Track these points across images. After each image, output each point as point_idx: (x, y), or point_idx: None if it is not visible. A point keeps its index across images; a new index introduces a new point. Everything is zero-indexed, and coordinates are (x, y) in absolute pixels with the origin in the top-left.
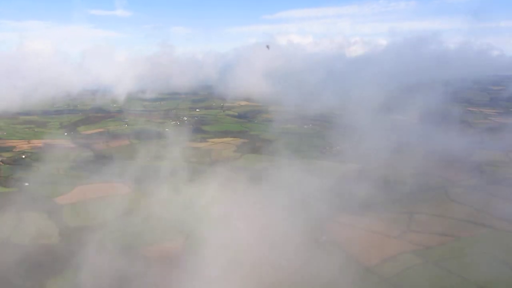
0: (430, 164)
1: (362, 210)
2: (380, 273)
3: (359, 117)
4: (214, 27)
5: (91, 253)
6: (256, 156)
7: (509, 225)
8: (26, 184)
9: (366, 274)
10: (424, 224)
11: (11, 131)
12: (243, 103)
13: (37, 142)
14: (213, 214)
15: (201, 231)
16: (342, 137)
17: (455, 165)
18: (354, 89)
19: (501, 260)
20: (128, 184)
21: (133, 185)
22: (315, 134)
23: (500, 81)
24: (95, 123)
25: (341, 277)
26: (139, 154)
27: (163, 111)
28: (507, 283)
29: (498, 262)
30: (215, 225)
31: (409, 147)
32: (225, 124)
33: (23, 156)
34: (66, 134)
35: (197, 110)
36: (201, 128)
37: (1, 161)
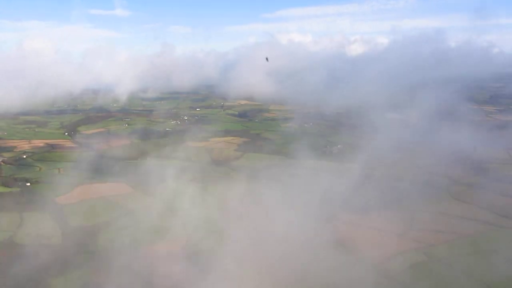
0: (435, 163)
1: (365, 209)
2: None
3: (361, 116)
4: (213, 26)
5: (93, 253)
6: (257, 155)
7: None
8: (28, 184)
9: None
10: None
11: (12, 131)
12: (243, 102)
13: (38, 142)
14: (213, 213)
15: (201, 230)
16: (343, 136)
17: (460, 163)
18: (357, 88)
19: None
20: (130, 184)
21: (135, 185)
22: (316, 133)
23: (500, 79)
24: (96, 123)
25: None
26: (140, 153)
27: (164, 111)
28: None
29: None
30: (216, 224)
31: (412, 145)
32: (225, 123)
33: (24, 156)
34: (66, 134)
35: (197, 109)
36: (202, 127)
37: (2, 161)
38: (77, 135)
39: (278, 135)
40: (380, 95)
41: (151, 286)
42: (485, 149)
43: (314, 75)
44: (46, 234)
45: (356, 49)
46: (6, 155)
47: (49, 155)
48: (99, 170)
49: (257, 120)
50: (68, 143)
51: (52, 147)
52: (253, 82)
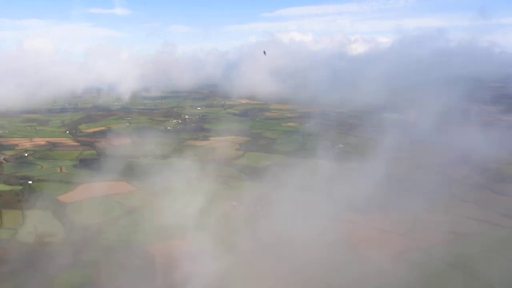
0: (443, 163)
1: (368, 208)
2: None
3: (363, 116)
4: (213, 26)
5: (96, 252)
6: (259, 154)
7: None
8: (30, 182)
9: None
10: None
11: (13, 129)
12: (244, 101)
13: (39, 140)
14: (214, 214)
15: (199, 229)
16: (344, 136)
17: (469, 163)
18: (359, 88)
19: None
20: (132, 182)
21: (137, 183)
22: (316, 133)
23: (501, 78)
24: (97, 122)
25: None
26: (141, 152)
27: (165, 110)
28: None
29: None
30: (219, 224)
31: (415, 145)
32: (226, 122)
33: (26, 154)
34: (67, 132)
35: (198, 108)
36: (203, 126)
37: (4, 159)
38: (78, 134)
39: (279, 134)
40: (382, 95)
41: (153, 286)
42: (492, 149)
43: (316, 74)
44: (49, 232)
45: (356, 48)
46: (8, 153)
47: (50, 153)
48: (101, 168)
49: (258, 119)
50: (70, 142)
51: (54, 145)
52: (255, 81)
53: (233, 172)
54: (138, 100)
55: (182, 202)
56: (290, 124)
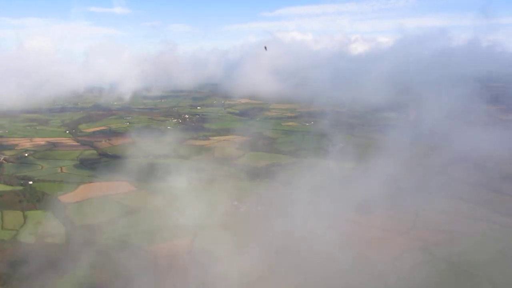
0: (444, 162)
1: (371, 208)
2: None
3: (364, 116)
4: (212, 25)
5: (99, 252)
6: (259, 154)
7: None
8: (30, 182)
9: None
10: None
11: (13, 129)
12: (244, 100)
13: (39, 140)
14: (215, 214)
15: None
16: (345, 135)
17: (471, 163)
18: (359, 87)
19: None
20: (132, 182)
21: (138, 183)
22: (317, 132)
23: (502, 78)
24: (97, 121)
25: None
26: (142, 152)
27: (165, 109)
28: None
29: None
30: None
31: (417, 145)
32: (226, 122)
33: (26, 154)
34: (67, 132)
35: (198, 108)
36: (203, 126)
37: (4, 159)
38: (78, 133)
39: (279, 134)
40: (383, 94)
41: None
42: (496, 148)
43: (317, 73)
44: (51, 232)
45: (356, 48)
46: (8, 153)
47: (50, 153)
48: (102, 168)
49: (258, 119)
50: (70, 141)
51: (54, 145)
52: (255, 81)
53: (234, 172)
54: (138, 99)
55: (183, 202)
56: (290, 123)
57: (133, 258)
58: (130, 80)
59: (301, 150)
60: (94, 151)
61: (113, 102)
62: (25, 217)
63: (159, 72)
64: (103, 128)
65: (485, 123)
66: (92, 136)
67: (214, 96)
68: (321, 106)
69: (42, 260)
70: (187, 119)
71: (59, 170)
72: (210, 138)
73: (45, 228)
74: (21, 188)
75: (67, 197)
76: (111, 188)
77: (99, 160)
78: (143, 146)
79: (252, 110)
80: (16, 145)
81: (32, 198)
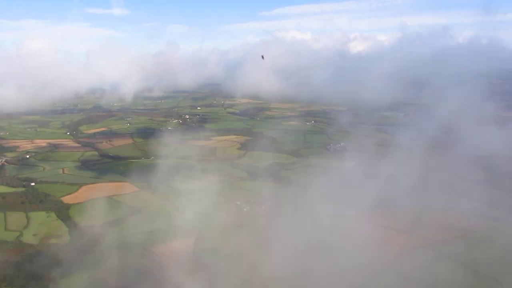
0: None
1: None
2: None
3: (365, 115)
4: (211, 25)
5: (102, 253)
6: (260, 153)
7: None
8: (32, 184)
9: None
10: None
11: (13, 131)
12: (244, 100)
13: (40, 142)
14: (217, 213)
15: (207, 231)
16: (346, 135)
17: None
18: (360, 86)
19: None
20: (134, 183)
21: (140, 184)
22: (318, 132)
23: (499, 75)
24: (97, 122)
25: None
26: (143, 153)
27: (165, 110)
28: None
29: None
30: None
31: (418, 145)
32: (227, 121)
33: (27, 156)
34: (68, 133)
35: (198, 108)
36: (204, 126)
37: (6, 161)
38: (79, 135)
39: (280, 133)
40: (384, 93)
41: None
42: (492, 146)
43: (317, 72)
44: (54, 233)
45: (356, 47)
46: (9, 155)
47: (52, 155)
48: (103, 169)
49: (258, 119)
50: (71, 143)
51: (55, 146)
52: (256, 81)
53: (235, 171)
54: (138, 100)
55: (187, 202)
56: (291, 123)
57: (137, 258)
58: (131, 81)
59: (302, 150)
60: (95, 152)
61: (113, 103)
62: (28, 218)
63: (159, 73)
64: (103, 129)
65: (489, 120)
66: (92, 137)
67: (214, 96)
68: (321, 105)
69: (46, 261)
70: (188, 120)
71: (60, 171)
72: (211, 138)
73: (48, 229)
74: (23, 189)
75: (70, 198)
76: (114, 189)
77: (101, 161)
78: (144, 147)
79: (252, 110)
80: (17, 147)
81: (35, 200)
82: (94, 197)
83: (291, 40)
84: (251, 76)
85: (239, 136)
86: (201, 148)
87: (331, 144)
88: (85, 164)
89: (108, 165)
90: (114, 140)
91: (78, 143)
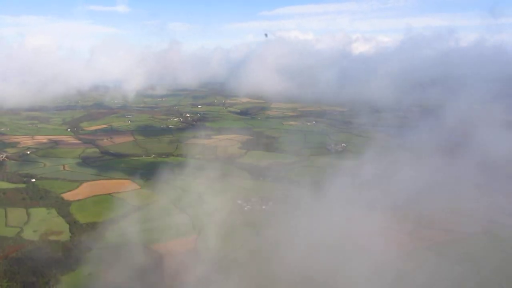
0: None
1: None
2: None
3: (366, 115)
4: (212, 23)
5: (103, 250)
6: (261, 152)
7: None
8: (33, 180)
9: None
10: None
11: (14, 126)
12: (245, 99)
13: (41, 138)
14: (218, 212)
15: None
16: (346, 135)
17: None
18: (360, 87)
19: None
20: (135, 180)
21: (140, 182)
22: (318, 131)
23: (505, 78)
24: (98, 119)
25: None
26: (144, 150)
27: (165, 108)
28: None
29: None
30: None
31: (419, 146)
32: (228, 121)
33: (28, 152)
34: (69, 130)
35: (199, 106)
36: (204, 124)
37: (6, 157)
38: (80, 131)
39: (281, 133)
40: (386, 94)
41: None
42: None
43: (320, 73)
44: (54, 230)
45: (358, 47)
46: (10, 151)
47: (53, 151)
48: (104, 166)
49: (259, 118)
50: (71, 139)
51: (56, 143)
52: (257, 80)
53: (236, 171)
54: (139, 98)
55: (186, 200)
56: (292, 123)
57: (138, 256)
58: (132, 79)
59: (302, 149)
60: (96, 149)
61: (114, 100)
62: (28, 214)
63: (161, 71)
64: (104, 126)
65: (493, 123)
66: (93, 134)
67: (216, 95)
68: (323, 105)
69: (46, 257)
70: (188, 118)
71: (61, 168)
72: (212, 137)
73: (48, 226)
74: (24, 185)
75: (71, 195)
76: (115, 186)
77: (101, 158)
78: (145, 145)
79: (253, 109)
80: (18, 143)
81: (35, 196)
82: (95, 194)
83: (293, 40)
84: (253, 75)
85: (240, 135)
86: (201, 147)
87: (332, 144)
88: (85, 161)
89: (109, 162)
90: (115, 137)
91: (79, 140)
